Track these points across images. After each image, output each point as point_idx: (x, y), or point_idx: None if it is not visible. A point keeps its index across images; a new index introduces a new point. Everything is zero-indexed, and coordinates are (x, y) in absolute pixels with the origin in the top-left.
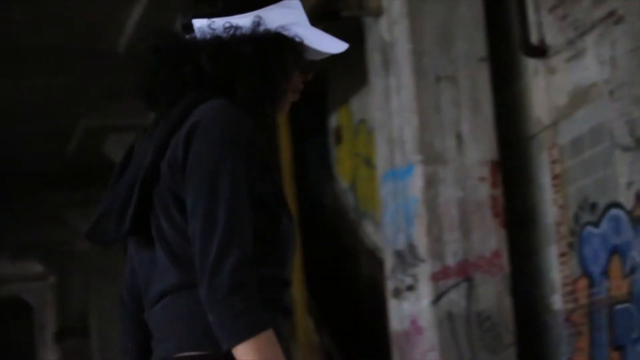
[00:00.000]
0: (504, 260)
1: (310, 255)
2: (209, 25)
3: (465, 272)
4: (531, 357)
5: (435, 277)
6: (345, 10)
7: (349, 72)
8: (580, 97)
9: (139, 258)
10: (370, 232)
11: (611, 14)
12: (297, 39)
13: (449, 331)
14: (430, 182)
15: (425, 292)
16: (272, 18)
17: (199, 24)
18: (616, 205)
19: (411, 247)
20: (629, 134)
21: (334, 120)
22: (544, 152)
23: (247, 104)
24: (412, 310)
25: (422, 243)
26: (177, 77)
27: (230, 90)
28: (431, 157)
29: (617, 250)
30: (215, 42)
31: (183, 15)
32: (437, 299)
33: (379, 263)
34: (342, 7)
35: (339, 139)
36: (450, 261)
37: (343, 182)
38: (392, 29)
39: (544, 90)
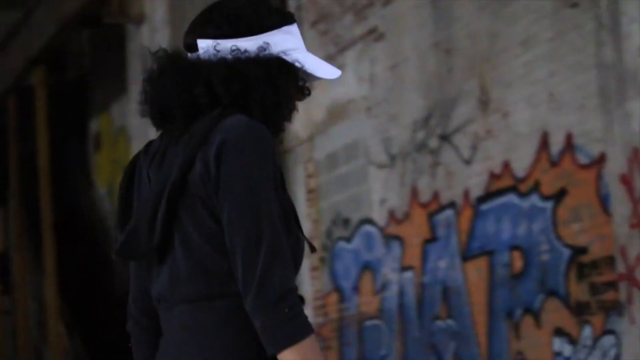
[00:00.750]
0: None
1: (65, 260)
2: (214, 47)
3: None
4: None
5: None
6: (108, 16)
7: (111, 79)
8: (337, 112)
9: (157, 267)
10: None
11: (372, 31)
12: (297, 64)
13: None
14: None
15: None
16: (274, 43)
17: (204, 44)
18: (369, 221)
19: None
20: (384, 151)
21: (94, 127)
22: (299, 166)
23: (262, 121)
24: None
25: None
26: (190, 97)
27: (244, 109)
28: None
29: (368, 267)
30: (223, 64)
31: (187, 35)
32: None
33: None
34: (105, 14)
35: (98, 145)
36: None
37: (100, 188)
38: (153, 37)
39: (302, 104)
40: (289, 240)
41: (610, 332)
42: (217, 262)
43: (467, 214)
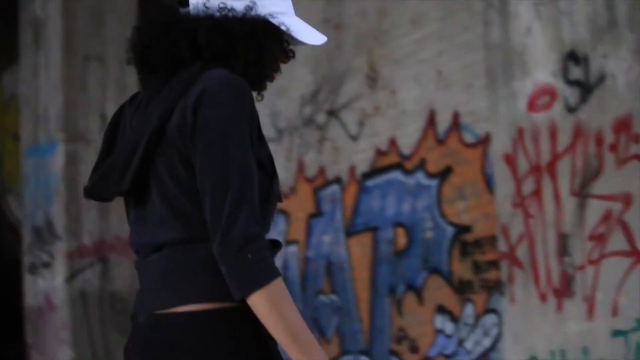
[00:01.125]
0: None
1: None
2: (203, 4)
3: (100, 252)
4: None
5: (71, 256)
6: None
7: (2, 46)
8: None
9: (135, 214)
10: (14, 207)
11: None
12: (282, 27)
13: (81, 310)
14: (71, 161)
15: (60, 269)
16: (262, 5)
17: (194, 1)
18: None
19: (49, 224)
20: (272, 125)
21: None
22: None
23: (244, 76)
24: (46, 287)
25: (60, 221)
26: (173, 50)
27: (226, 65)
28: (74, 135)
29: None
30: (210, 20)
31: None
32: (71, 277)
33: (20, 239)
34: None
35: None
36: (87, 240)
37: None
38: (45, 6)
39: None
40: (262, 188)
41: (491, 310)
42: (192, 212)
43: (352, 189)
